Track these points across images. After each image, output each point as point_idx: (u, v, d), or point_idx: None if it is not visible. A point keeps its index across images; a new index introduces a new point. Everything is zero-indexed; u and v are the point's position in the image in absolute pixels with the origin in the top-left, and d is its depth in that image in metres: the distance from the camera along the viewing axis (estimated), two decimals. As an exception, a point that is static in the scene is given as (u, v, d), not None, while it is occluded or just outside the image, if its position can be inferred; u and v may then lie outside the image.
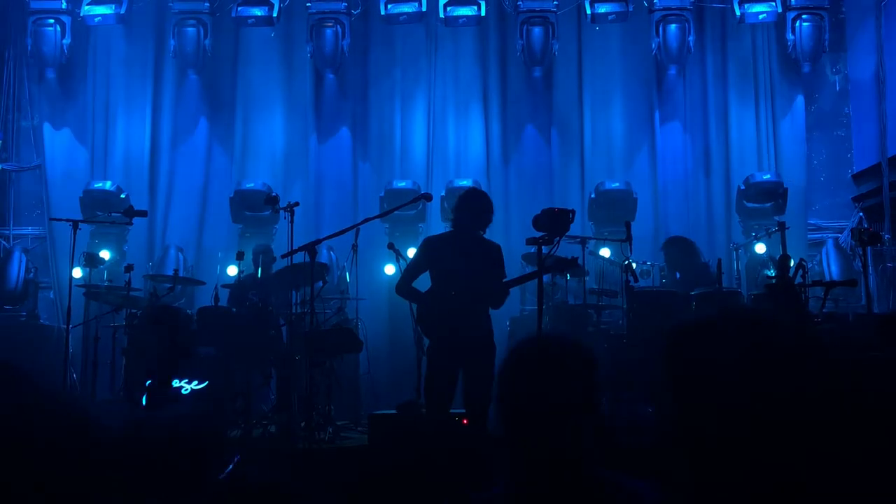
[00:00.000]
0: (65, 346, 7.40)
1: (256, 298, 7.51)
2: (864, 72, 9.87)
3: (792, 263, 7.15)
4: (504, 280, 5.74)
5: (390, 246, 7.23)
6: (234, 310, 7.65)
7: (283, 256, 6.84)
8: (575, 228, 6.43)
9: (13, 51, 10.24)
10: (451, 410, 5.79)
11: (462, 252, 5.62)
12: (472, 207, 5.70)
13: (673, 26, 9.66)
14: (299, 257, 6.70)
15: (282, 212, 7.02)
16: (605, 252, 8.47)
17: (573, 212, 5.62)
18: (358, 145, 10.22)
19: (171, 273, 8.51)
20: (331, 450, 6.56)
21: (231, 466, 2.73)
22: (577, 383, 1.95)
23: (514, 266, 7.61)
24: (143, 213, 7.95)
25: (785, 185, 9.44)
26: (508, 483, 1.98)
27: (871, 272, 8.80)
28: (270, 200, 7.57)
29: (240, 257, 7.86)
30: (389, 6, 9.67)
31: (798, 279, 7.00)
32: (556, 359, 1.97)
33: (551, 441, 1.91)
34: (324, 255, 8.68)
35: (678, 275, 8.17)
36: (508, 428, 1.98)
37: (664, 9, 9.70)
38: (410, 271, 5.78)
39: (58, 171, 10.07)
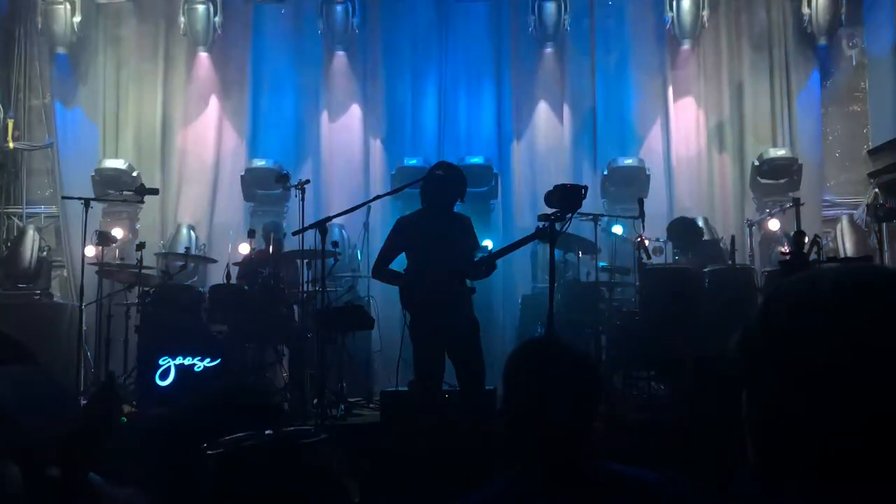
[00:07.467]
0: (79, 324, 7.46)
1: (267, 274, 7.51)
2: (882, 46, 9.72)
3: (806, 240, 7.10)
4: (477, 250, 5.61)
5: (401, 223, 7.19)
6: (246, 287, 7.66)
7: (295, 234, 6.81)
8: (587, 205, 6.36)
9: (23, 29, 10.24)
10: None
11: (433, 229, 5.49)
12: (438, 182, 5.55)
13: (686, 0, 9.55)
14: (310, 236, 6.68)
15: (293, 189, 7.00)
16: (617, 229, 8.42)
17: (586, 188, 5.52)
18: (369, 123, 10.17)
19: (182, 251, 8.55)
20: (343, 426, 6.57)
21: None
22: (582, 398, 1.94)
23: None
24: (154, 192, 7.96)
25: (799, 161, 9.35)
26: (508, 481, 1.96)
27: (886, 249, 8.73)
28: (281, 178, 7.55)
29: (251, 235, 7.86)
30: (400, -18, 9.61)
31: (812, 256, 6.94)
32: (563, 372, 1.94)
33: (553, 443, 1.90)
34: (335, 233, 8.67)
35: (690, 254, 8.12)
36: (511, 429, 1.97)
37: (678, -17, 9.59)
38: (385, 254, 5.64)
39: (69, 150, 10.08)
